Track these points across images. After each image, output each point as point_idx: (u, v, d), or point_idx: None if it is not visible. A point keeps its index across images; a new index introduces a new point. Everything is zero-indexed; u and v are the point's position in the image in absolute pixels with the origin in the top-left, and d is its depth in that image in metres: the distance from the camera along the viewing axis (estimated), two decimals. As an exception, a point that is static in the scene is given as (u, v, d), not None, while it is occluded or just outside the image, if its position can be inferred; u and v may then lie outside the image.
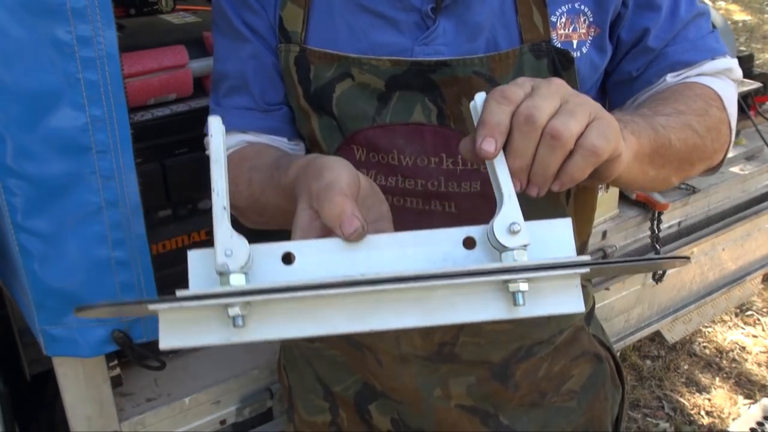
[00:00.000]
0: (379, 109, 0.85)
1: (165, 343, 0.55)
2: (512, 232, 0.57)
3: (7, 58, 0.84)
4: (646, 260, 0.57)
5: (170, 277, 1.13)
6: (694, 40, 0.88)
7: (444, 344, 0.97)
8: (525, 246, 0.57)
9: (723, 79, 0.89)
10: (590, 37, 0.84)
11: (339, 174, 0.62)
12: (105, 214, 0.95)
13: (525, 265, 0.55)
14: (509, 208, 0.58)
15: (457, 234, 0.59)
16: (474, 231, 0.59)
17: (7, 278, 1.12)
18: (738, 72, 0.91)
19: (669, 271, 1.94)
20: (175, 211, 1.33)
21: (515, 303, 0.55)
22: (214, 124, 0.60)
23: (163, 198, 1.29)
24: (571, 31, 0.83)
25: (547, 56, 0.82)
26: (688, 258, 0.57)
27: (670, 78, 0.87)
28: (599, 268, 0.56)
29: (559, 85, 0.61)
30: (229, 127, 0.92)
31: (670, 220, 1.92)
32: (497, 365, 0.99)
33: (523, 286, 0.55)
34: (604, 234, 1.80)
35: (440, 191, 0.87)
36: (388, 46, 0.83)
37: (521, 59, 0.82)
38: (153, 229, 1.24)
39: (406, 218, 0.88)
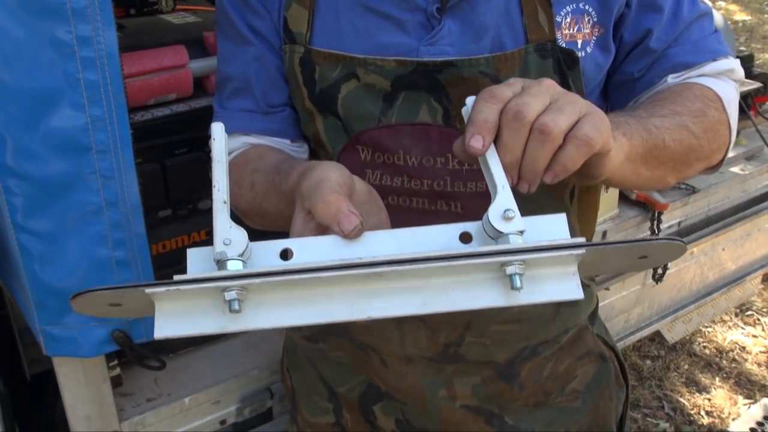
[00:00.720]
0: (384, 110, 0.85)
1: (160, 332, 0.55)
2: (507, 219, 0.57)
3: (7, 58, 0.83)
4: (641, 241, 0.58)
5: (170, 277, 1.13)
6: (696, 41, 0.88)
7: (449, 345, 0.97)
8: (520, 232, 0.57)
9: (724, 80, 0.89)
10: (594, 37, 0.84)
11: (328, 172, 0.62)
12: (105, 214, 0.95)
13: (521, 246, 0.55)
14: (503, 197, 0.58)
15: (453, 230, 0.60)
16: (470, 226, 0.60)
17: (7, 278, 1.12)
18: (740, 72, 0.91)
19: (669, 270, 1.94)
20: (175, 211, 1.32)
21: (512, 286, 0.55)
22: (217, 130, 0.62)
23: (163, 198, 1.28)
24: (576, 31, 0.83)
25: (552, 56, 0.82)
26: (683, 242, 0.57)
27: (672, 79, 0.87)
28: (595, 250, 0.55)
29: (549, 84, 0.62)
30: (233, 130, 0.92)
31: (670, 220, 1.92)
32: (502, 365, 0.99)
33: (520, 268, 0.54)
34: (604, 234, 1.80)
35: (446, 191, 0.87)
36: (393, 46, 0.83)
37: (526, 59, 0.81)
38: (153, 229, 1.23)
39: (411, 218, 0.88)
